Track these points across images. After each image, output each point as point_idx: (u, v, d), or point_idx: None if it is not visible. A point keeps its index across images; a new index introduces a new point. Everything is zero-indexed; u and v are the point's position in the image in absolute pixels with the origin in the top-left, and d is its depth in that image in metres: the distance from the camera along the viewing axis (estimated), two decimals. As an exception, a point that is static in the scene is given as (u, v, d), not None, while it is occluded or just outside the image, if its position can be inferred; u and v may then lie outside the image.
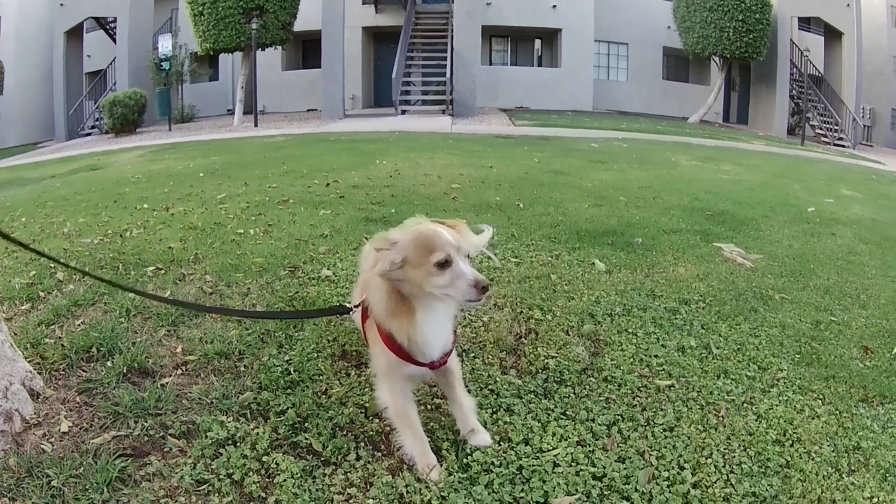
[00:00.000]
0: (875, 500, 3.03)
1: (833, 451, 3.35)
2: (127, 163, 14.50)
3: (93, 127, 30.07)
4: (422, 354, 2.87)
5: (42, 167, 16.45)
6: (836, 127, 31.11)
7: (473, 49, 26.07)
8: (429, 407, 3.42)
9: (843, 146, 29.74)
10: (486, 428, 3.18)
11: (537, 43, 34.76)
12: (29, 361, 3.41)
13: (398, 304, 2.76)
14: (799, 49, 31.93)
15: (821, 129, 31.60)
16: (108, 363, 3.62)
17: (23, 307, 4.51)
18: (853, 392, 3.99)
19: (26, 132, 32.68)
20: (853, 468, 3.25)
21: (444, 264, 2.57)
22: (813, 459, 3.25)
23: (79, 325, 4.17)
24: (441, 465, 2.93)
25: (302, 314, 3.10)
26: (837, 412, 3.73)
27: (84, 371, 3.56)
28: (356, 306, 2.98)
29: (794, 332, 4.81)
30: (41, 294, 4.73)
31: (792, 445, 3.35)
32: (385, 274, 2.67)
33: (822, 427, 3.55)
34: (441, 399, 3.43)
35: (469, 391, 3.37)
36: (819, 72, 33.52)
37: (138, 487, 2.68)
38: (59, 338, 3.93)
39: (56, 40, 30.87)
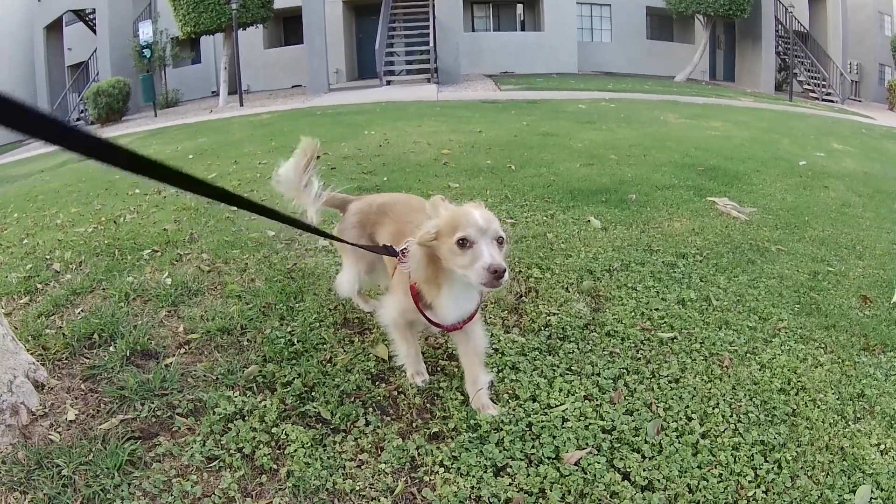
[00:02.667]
0: (882, 446, 3.06)
1: (838, 399, 3.38)
2: (115, 150, 14.42)
3: (78, 119, 29.81)
4: (437, 317, 2.96)
5: (29, 163, 16.34)
6: (823, 82, 31.10)
7: (455, 16, 25.96)
8: (437, 368, 3.42)
9: (832, 101, 29.75)
10: (492, 385, 3.22)
11: (519, 7, 34.51)
12: (31, 353, 3.39)
13: (431, 272, 2.84)
14: (783, 5, 31.82)
15: (808, 84, 31.59)
16: (111, 348, 3.60)
17: (21, 301, 4.47)
18: (854, 341, 4.03)
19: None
20: (859, 415, 3.28)
21: (464, 243, 2.60)
22: (818, 407, 3.28)
23: (78, 313, 4.14)
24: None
25: (352, 243, 3.14)
26: (840, 361, 3.76)
27: (87, 358, 3.54)
28: (402, 251, 2.96)
29: (792, 282, 4.84)
30: (38, 286, 4.70)
31: (797, 394, 3.38)
32: (422, 241, 2.75)
33: (825, 375, 3.58)
34: (446, 361, 3.48)
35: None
36: (805, 28, 33.40)
37: (149, 469, 2.67)
38: (60, 327, 3.91)
39: (36, 36, 30.68)
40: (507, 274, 2.56)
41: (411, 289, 2.98)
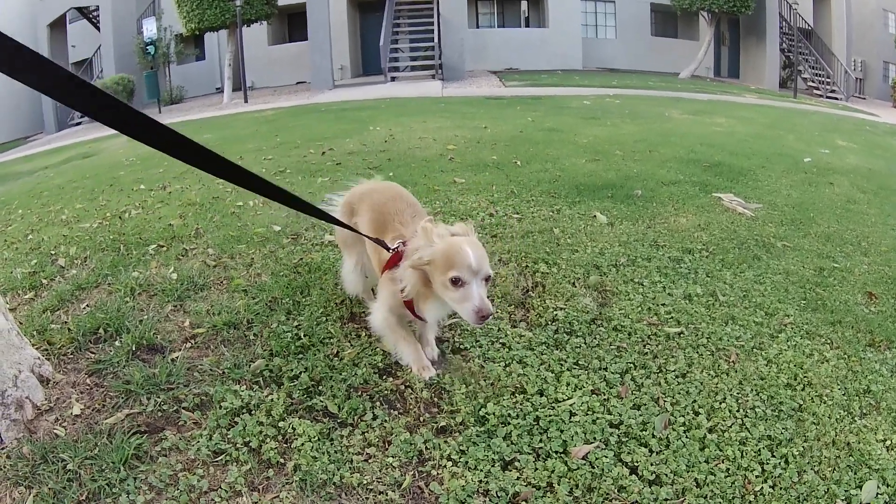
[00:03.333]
0: (888, 442, 3.06)
1: (844, 395, 3.38)
2: (119, 147, 14.37)
3: (82, 116, 29.87)
4: (424, 317, 3.19)
5: (34, 160, 16.32)
6: (827, 79, 31.06)
7: (460, 12, 25.99)
8: (444, 362, 3.42)
9: (836, 98, 29.68)
10: (499, 379, 3.26)
11: (524, 4, 34.44)
12: (36, 348, 3.39)
13: (422, 290, 3.02)
14: (787, 2, 31.75)
15: (812, 81, 31.52)
16: (117, 343, 3.59)
17: (26, 296, 4.47)
18: (860, 337, 4.02)
19: (14, 127, 32.40)
20: (865, 411, 3.28)
21: (457, 282, 2.78)
22: (825, 403, 3.28)
23: (84, 308, 4.13)
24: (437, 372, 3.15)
25: (351, 228, 3.28)
26: (846, 356, 3.76)
27: (92, 353, 3.53)
28: (393, 249, 3.16)
29: (798, 278, 4.83)
30: (44, 281, 4.69)
31: (803, 389, 3.38)
32: (415, 266, 2.93)
33: (831, 371, 3.58)
34: (452, 353, 3.50)
35: (471, 342, 3.57)
36: (809, 25, 33.38)
37: (155, 463, 2.67)
38: (65, 322, 3.90)
39: (39, 33, 30.68)
40: (491, 318, 2.88)
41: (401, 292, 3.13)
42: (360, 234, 3.34)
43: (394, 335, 3.31)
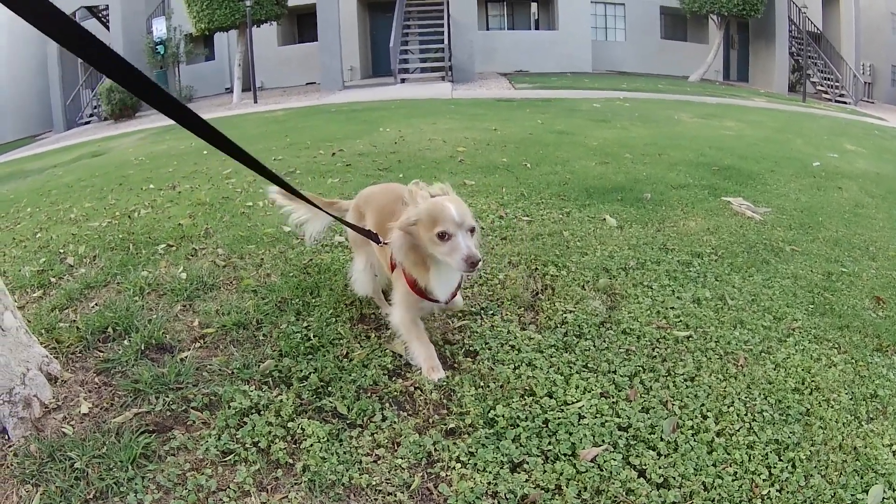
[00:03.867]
0: (895, 447, 3.05)
1: (851, 399, 3.37)
2: (129, 146, 14.45)
3: (91, 115, 29.95)
4: (433, 294, 3.29)
5: (43, 158, 16.37)
6: (836, 83, 31.00)
7: (470, 14, 25.96)
8: (454, 364, 3.43)
9: (845, 103, 29.61)
10: (508, 382, 3.26)
11: (534, 6, 34.46)
12: (44, 346, 3.39)
13: (416, 255, 3.18)
14: (796, 6, 31.72)
15: (821, 85, 31.49)
16: (125, 342, 3.60)
17: (35, 294, 4.48)
18: (867, 341, 4.02)
19: (24, 125, 32.44)
20: (872, 416, 3.28)
21: (444, 236, 2.96)
22: (832, 407, 3.27)
23: (93, 306, 4.15)
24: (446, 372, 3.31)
25: (347, 223, 3.41)
26: (853, 361, 3.75)
27: (101, 352, 3.54)
28: (385, 243, 3.30)
29: (806, 282, 4.83)
30: (52, 280, 4.71)
31: (811, 393, 3.38)
32: (402, 227, 3.09)
33: (839, 375, 3.57)
34: (464, 357, 3.48)
35: (480, 344, 3.59)
36: (818, 28, 33.30)
37: (163, 462, 2.68)
38: (74, 321, 3.91)
39: (49, 33, 30.63)
40: (480, 263, 2.96)
41: (406, 277, 3.28)
42: (350, 225, 3.55)
43: (409, 334, 3.37)
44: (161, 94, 1.63)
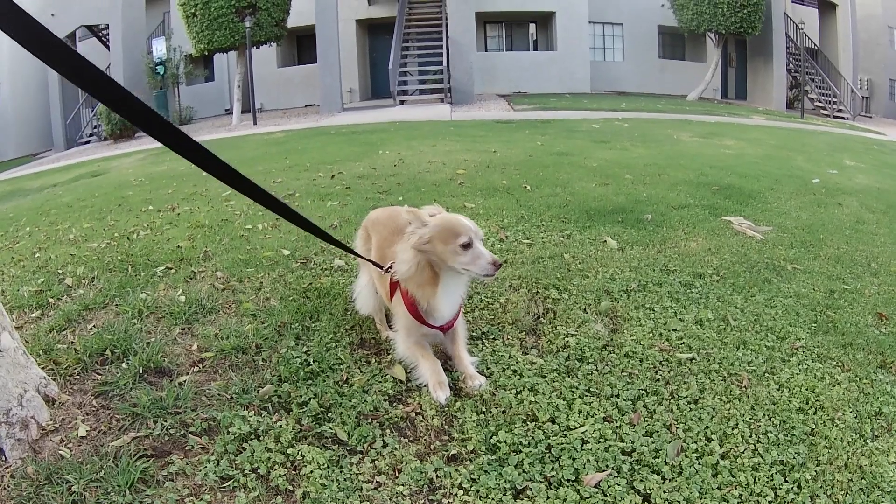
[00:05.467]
0: (901, 464, 3.03)
1: (856, 418, 3.35)
2: (128, 167, 14.48)
3: (91, 134, 30.03)
4: (434, 319, 3.40)
5: (43, 177, 16.42)
6: (834, 99, 31.11)
7: (468, 36, 26.03)
8: (455, 390, 3.40)
9: (843, 118, 29.73)
10: (510, 407, 3.23)
11: (532, 27, 34.59)
12: (42, 368, 3.38)
13: (424, 274, 3.26)
14: (794, 22, 31.83)
15: (819, 101, 31.57)
16: (123, 364, 3.59)
17: (33, 314, 4.48)
18: (871, 358, 3.99)
19: (24, 143, 32.52)
20: (876, 434, 3.25)
21: (467, 246, 3.11)
22: (837, 426, 3.25)
23: (91, 328, 4.13)
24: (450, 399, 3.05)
25: (349, 249, 3.62)
26: (857, 379, 3.73)
27: (99, 374, 3.52)
28: (387, 269, 3.41)
29: (808, 301, 4.81)
30: (50, 300, 4.71)
31: (815, 413, 3.35)
32: (417, 246, 3.19)
33: (843, 394, 3.55)
34: (465, 383, 3.43)
35: (482, 369, 3.54)
36: (815, 44, 33.47)
37: (161, 487, 2.65)
38: (72, 342, 3.90)
39: (49, 49, 30.67)
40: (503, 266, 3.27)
41: (406, 301, 3.37)
42: (359, 256, 3.71)
43: (414, 356, 3.44)
44: (162, 123, 1.61)
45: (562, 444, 2.94)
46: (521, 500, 2.64)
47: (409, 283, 3.31)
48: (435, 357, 3.44)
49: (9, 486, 2.63)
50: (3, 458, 2.81)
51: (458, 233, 3.12)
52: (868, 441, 3.17)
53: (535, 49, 34.47)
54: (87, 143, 29.35)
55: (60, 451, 2.86)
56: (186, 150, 1.68)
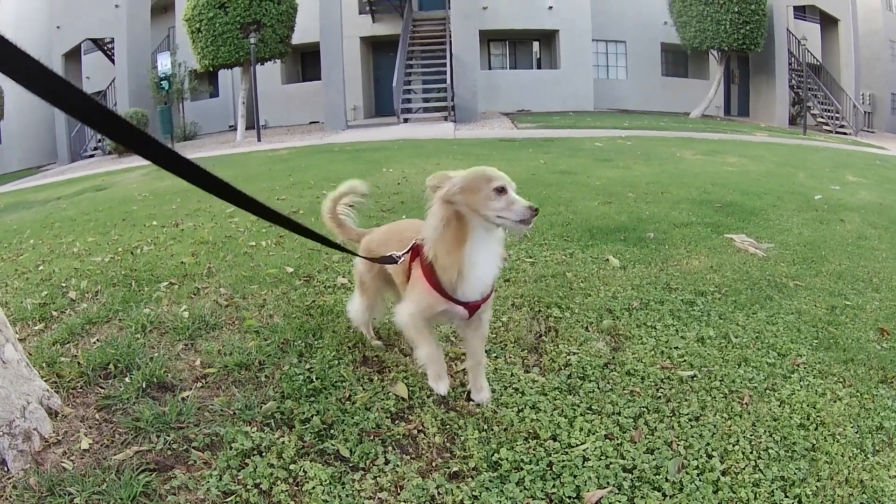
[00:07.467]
0: (901, 478, 3.03)
1: (857, 433, 3.35)
2: (132, 181, 14.51)
3: (95, 148, 30.13)
4: (462, 291, 3.15)
5: (47, 189, 16.47)
6: (836, 114, 31.20)
7: (472, 54, 26.11)
8: (456, 407, 3.41)
9: (845, 133, 29.83)
10: (512, 424, 3.23)
11: (535, 45, 34.70)
12: (45, 380, 3.38)
13: (454, 234, 3.07)
14: (796, 38, 31.97)
15: (822, 117, 31.68)
16: (127, 379, 3.59)
17: (36, 327, 4.50)
18: (872, 374, 4.00)
19: (28, 156, 32.65)
20: (878, 448, 3.26)
21: (502, 190, 2.98)
22: (838, 441, 3.25)
23: (94, 342, 4.14)
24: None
25: (354, 252, 3.63)
26: (858, 394, 3.74)
27: (102, 388, 3.52)
28: (401, 256, 3.29)
29: (810, 317, 4.82)
30: (54, 313, 4.72)
31: (816, 429, 3.35)
32: (448, 196, 3.02)
33: (844, 409, 3.55)
34: (467, 401, 3.46)
35: (493, 389, 3.53)
36: (817, 60, 33.58)
37: (164, 501, 2.66)
38: (75, 356, 3.90)
39: (54, 63, 30.84)
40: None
41: (429, 278, 3.15)
42: (365, 257, 3.59)
43: (419, 333, 3.27)
44: (157, 147, 1.56)
45: (563, 461, 2.95)
46: (523, 517, 2.63)
47: (438, 248, 3.10)
48: (438, 344, 3.40)
49: (11, 497, 2.64)
50: (6, 469, 2.81)
51: (492, 178, 3.01)
52: (869, 456, 3.17)
53: (539, 67, 34.59)
54: (92, 156, 29.46)
55: (63, 464, 2.87)
56: (171, 164, 1.62)
